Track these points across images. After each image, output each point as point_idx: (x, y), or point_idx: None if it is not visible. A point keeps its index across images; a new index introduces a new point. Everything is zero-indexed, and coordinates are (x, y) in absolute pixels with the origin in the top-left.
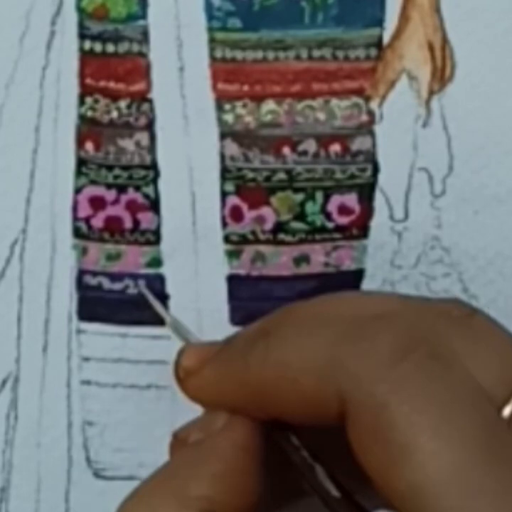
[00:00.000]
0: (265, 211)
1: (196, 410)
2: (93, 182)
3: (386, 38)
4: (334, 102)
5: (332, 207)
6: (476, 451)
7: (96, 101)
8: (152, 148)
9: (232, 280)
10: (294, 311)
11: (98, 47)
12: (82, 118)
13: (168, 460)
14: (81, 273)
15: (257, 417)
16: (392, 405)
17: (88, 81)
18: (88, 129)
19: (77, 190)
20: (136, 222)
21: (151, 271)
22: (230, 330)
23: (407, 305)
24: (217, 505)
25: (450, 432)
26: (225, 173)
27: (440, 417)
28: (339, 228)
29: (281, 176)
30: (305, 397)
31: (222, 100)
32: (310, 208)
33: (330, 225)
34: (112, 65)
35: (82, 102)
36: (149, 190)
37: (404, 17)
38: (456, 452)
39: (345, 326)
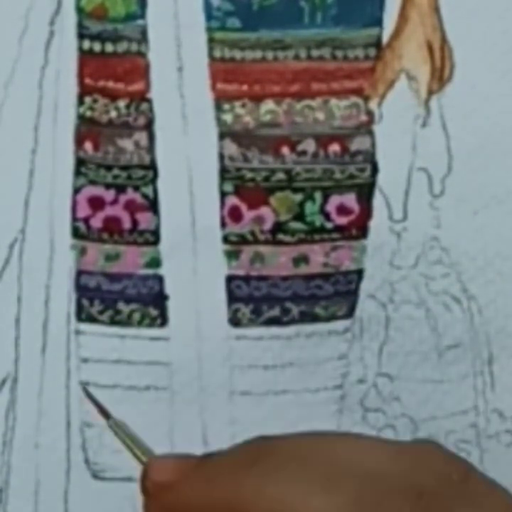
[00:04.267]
0: (264, 211)
1: (194, 413)
2: (92, 182)
3: (385, 38)
4: (333, 101)
5: (331, 207)
6: None
7: (95, 101)
8: (151, 148)
9: (231, 280)
10: (281, 446)
11: (97, 46)
12: (81, 118)
13: None
14: (80, 273)
15: None
16: None
17: (87, 81)
18: (87, 128)
19: (76, 190)
20: (135, 223)
21: (150, 271)
22: (229, 330)
23: (403, 465)
24: None
25: None
26: (223, 173)
27: None
28: (338, 228)
29: (281, 176)
30: None
31: (221, 100)
32: (309, 208)
33: (329, 225)
34: (111, 65)
35: (81, 101)
36: (148, 190)
37: (403, 17)
38: None
39: (356, 484)
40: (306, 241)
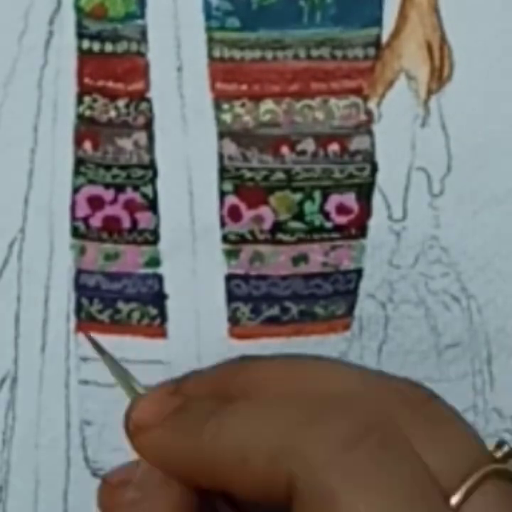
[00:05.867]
0: (264, 211)
1: None
2: (91, 181)
3: (385, 38)
4: (333, 101)
5: (330, 206)
6: None
7: (94, 100)
8: (150, 147)
9: (231, 280)
10: (254, 375)
11: (96, 46)
12: (80, 117)
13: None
14: (79, 273)
15: (203, 487)
16: (339, 494)
17: (86, 80)
18: (86, 128)
19: (76, 190)
20: (135, 222)
21: (149, 270)
22: (229, 330)
23: (368, 386)
24: None
25: None
26: (223, 172)
27: (386, 509)
28: (338, 228)
29: (280, 175)
30: (254, 477)
31: (220, 100)
32: (308, 207)
33: (328, 224)
34: (111, 65)
35: (80, 101)
36: (148, 189)
37: (402, 16)
38: None
39: (301, 407)
40: (305, 240)
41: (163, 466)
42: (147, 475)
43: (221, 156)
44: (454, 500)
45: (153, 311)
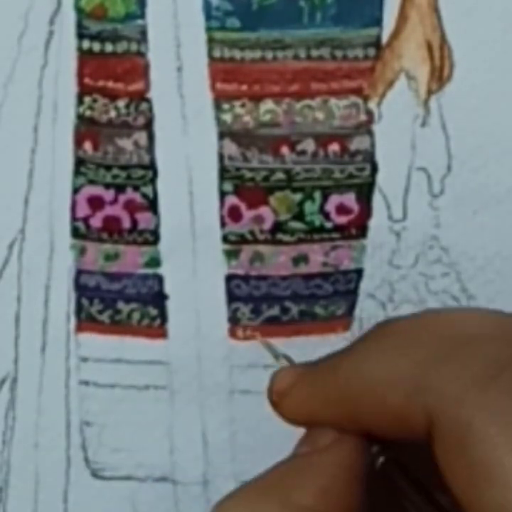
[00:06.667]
0: (264, 211)
1: (193, 412)
2: (91, 182)
3: (385, 38)
4: (333, 101)
5: (331, 207)
6: None
7: (94, 100)
8: (150, 147)
9: (231, 280)
10: (389, 325)
11: (96, 46)
12: (80, 117)
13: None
14: (79, 273)
15: (349, 431)
16: (478, 426)
17: (86, 80)
18: (86, 128)
19: (76, 190)
20: (135, 222)
21: (149, 271)
22: (229, 330)
23: (504, 329)
24: None
25: None
26: (223, 172)
27: None
28: (338, 228)
29: (280, 175)
30: (392, 413)
31: (220, 100)
32: (308, 207)
33: (328, 224)
34: (111, 65)
35: (80, 101)
36: (148, 189)
37: (402, 16)
38: None
39: (439, 345)
40: (305, 240)
41: (309, 422)
42: (315, 433)
43: (221, 156)
44: None
45: (154, 312)
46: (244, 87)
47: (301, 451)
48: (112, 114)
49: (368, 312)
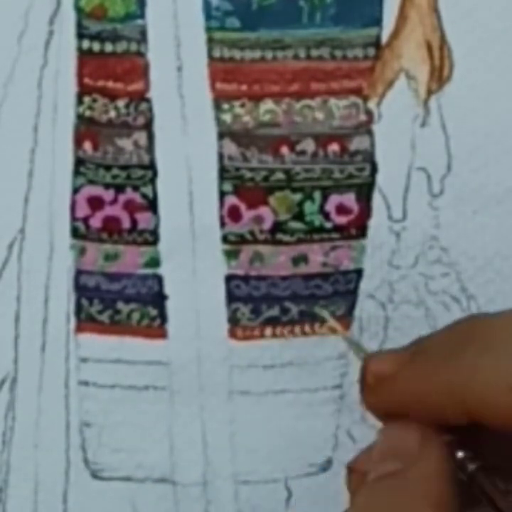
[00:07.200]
0: (263, 211)
1: (193, 412)
2: (91, 182)
3: (384, 38)
4: (332, 101)
5: (330, 207)
6: None
7: (94, 100)
8: (150, 147)
9: (231, 280)
10: (488, 322)
11: (96, 46)
12: (80, 117)
13: (354, 498)
14: (79, 273)
15: (451, 420)
16: None
17: (86, 80)
18: (86, 128)
19: (75, 190)
20: (134, 222)
21: (149, 271)
22: (229, 330)
23: None
24: None
25: None
26: (223, 172)
27: None
28: (337, 228)
29: (280, 175)
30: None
31: (220, 100)
32: (308, 207)
33: (328, 224)
34: (110, 65)
35: (80, 101)
36: (147, 190)
37: (402, 16)
38: None
39: None
40: (305, 241)
41: (412, 406)
42: (398, 441)
43: (221, 156)
44: None
45: (153, 312)
46: (244, 87)
47: (390, 469)
48: (112, 114)
49: (367, 312)
